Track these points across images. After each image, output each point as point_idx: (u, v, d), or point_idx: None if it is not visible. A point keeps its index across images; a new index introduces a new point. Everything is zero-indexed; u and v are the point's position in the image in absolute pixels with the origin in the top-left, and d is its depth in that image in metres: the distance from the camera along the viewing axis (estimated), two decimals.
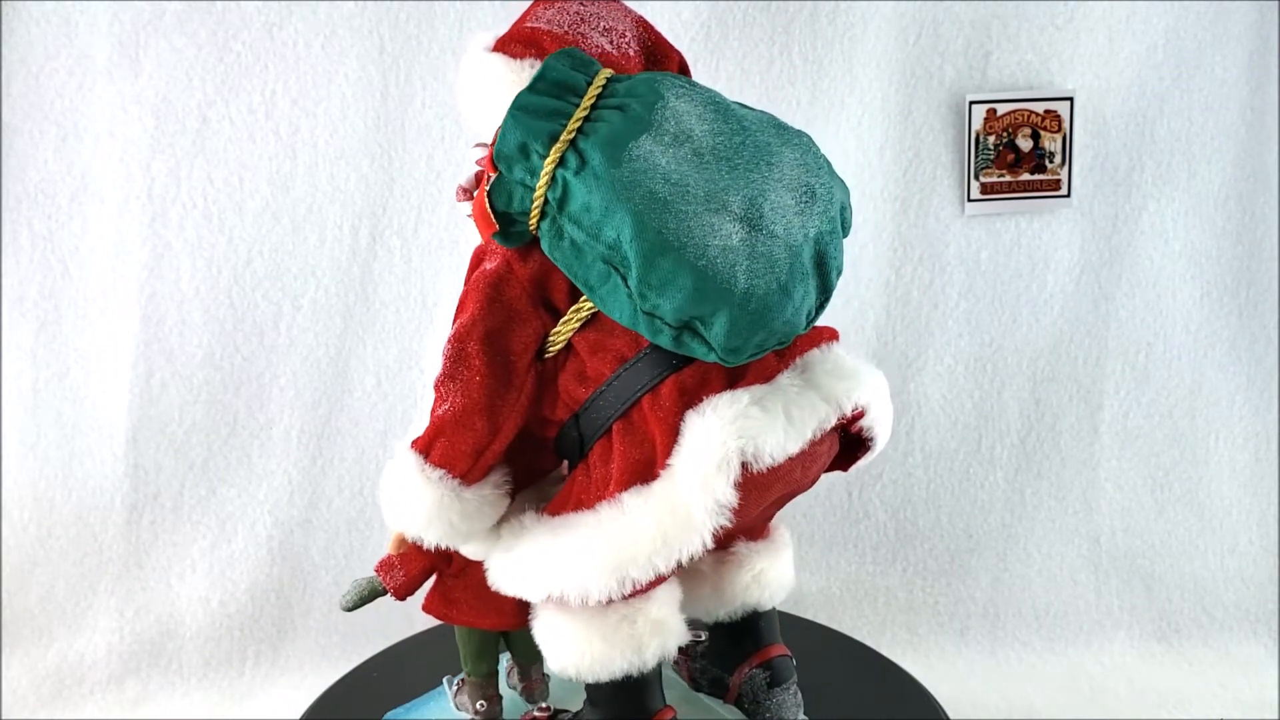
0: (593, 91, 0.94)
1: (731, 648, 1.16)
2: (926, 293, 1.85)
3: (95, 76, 1.75)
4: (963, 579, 1.90)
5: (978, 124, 1.80)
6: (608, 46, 1.03)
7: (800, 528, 1.89)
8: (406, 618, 1.84)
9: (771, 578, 1.15)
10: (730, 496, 0.92)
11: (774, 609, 1.18)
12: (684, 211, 0.89)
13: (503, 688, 1.25)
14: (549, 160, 0.92)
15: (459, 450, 1.00)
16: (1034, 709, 1.71)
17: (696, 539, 0.93)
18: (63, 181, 1.78)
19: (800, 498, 1.90)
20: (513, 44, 1.04)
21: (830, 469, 1.08)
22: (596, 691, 1.05)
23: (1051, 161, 1.82)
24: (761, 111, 1.01)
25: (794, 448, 0.95)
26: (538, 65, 0.99)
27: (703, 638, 1.22)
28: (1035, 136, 1.81)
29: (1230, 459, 1.93)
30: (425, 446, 1.01)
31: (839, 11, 1.76)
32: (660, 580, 0.99)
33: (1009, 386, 1.89)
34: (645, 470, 0.96)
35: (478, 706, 1.20)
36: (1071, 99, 1.80)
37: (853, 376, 1.01)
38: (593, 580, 0.96)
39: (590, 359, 1.01)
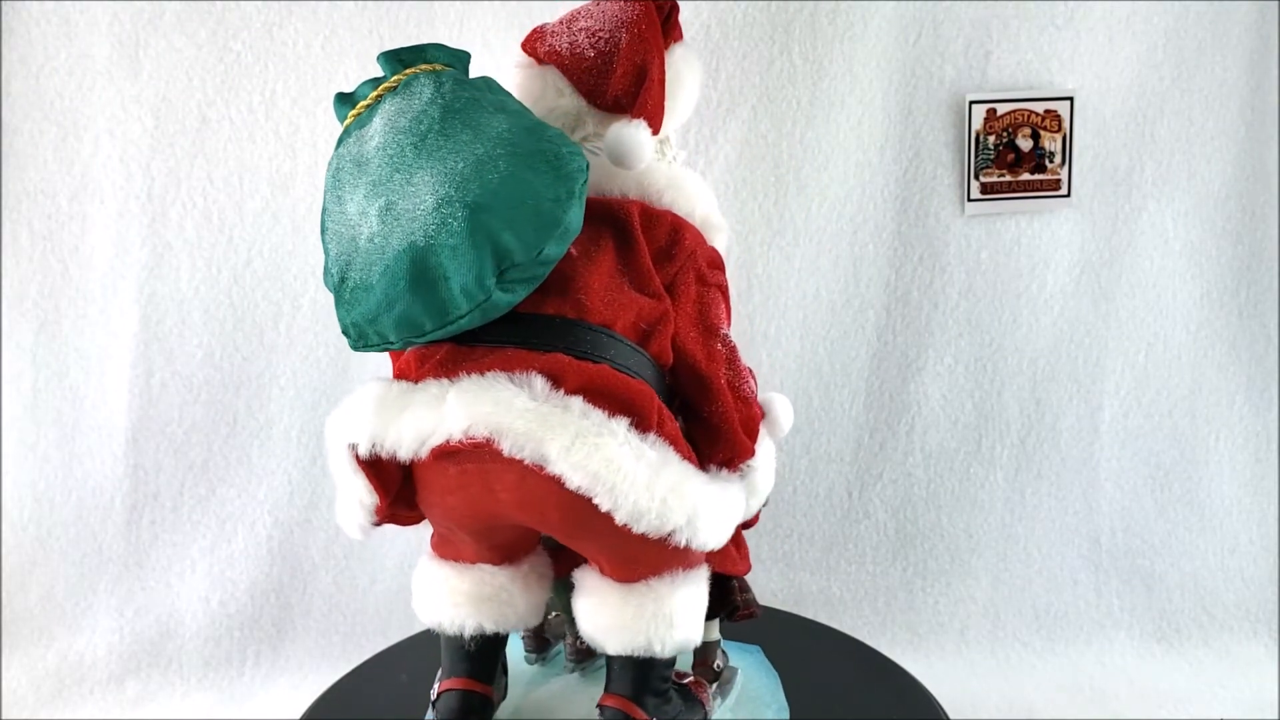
0: (388, 85, 0.98)
1: (607, 677, 1.08)
2: (926, 293, 1.85)
3: (95, 76, 1.75)
4: (963, 579, 1.90)
5: (978, 124, 1.80)
6: (562, 45, 1.10)
7: (800, 528, 1.89)
8: (407, 618, 1.85)
9: (585, 612, 1.03)
10: (349, 474, 0.97)
11: (649, 663, 1.03)
12: (337, 197, 0.97)
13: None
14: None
15: None
16: (1034, 709, 1.71)
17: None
18: (63, 181, 1.78)
19: (800, 496, 1.91)
20: None
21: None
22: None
23: (1051, 161, 1.82)
24: (506, 121, 0.95)
25: (398, 452, 0.94)
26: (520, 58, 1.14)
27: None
28: (1035, 136, 1.81)
29: (1230, 459, 1.93)
30: None
31: (839, 11, 1.76)
32: (463, 553, 1.07)
33: (1009, 386, 1.89)
34: None
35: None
36: (1071, 99, 1.80)
37: (482, 405, 0.91)
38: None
39: None
